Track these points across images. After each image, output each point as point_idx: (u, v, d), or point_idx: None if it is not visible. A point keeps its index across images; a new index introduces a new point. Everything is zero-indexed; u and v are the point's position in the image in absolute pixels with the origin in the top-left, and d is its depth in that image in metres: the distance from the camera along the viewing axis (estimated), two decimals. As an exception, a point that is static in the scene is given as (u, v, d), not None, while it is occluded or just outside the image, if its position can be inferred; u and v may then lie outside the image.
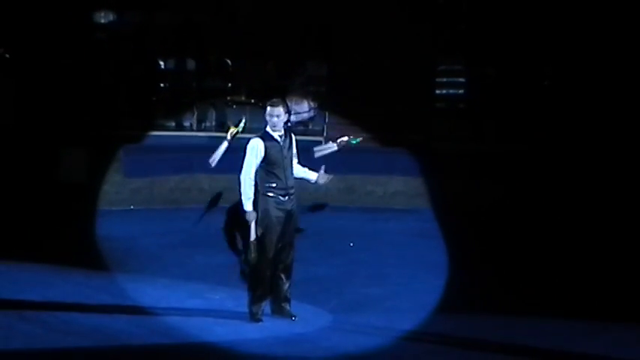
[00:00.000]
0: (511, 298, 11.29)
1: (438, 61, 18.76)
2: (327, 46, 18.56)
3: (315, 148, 10.45)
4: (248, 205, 9.87)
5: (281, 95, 17.46)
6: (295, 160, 10.15)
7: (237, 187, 9.94)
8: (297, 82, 18.32)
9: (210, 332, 9.71)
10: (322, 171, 10.20)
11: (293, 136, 10.16)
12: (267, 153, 9.88)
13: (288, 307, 10.17)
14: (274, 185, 9.92)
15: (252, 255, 9.87)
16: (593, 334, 10.16)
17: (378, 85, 17.85)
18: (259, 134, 10.01)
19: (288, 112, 10.22)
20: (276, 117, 9.91)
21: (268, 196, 9.91)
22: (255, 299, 10.02)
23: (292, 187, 10.03)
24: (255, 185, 9.91)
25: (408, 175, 16.53)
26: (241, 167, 9.93)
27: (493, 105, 18.11)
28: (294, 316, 10.17)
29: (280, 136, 9.96)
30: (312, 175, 10.21)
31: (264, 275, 9.97)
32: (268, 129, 9.99)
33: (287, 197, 9.96)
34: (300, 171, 10.18)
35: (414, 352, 9.63)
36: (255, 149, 9.88)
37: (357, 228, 14.65)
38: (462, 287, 11.57)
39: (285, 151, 9.98)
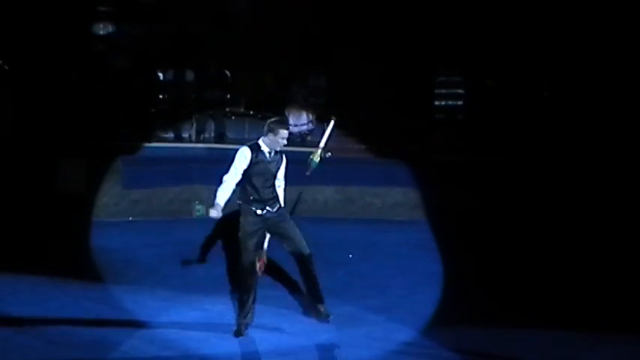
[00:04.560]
0: (510, 310, 11.27)
1: (437, 73, 18.77)
2: (326, 58, 18.56)
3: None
4: (219, 198, 9.85)
5: (281, 108, 17.59)
6: (282, 181, 10.28)
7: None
8: (299, 95, 18.31)
9: (210, 344, 9.69)
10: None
11: (284, 158, 10.28)
12: (252, 162, 9.99)
13: (322, 307, 10.37)
14: (252, 198, 10.03)
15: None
16: (593, 346, 10.15)
17: (377, 97, 17.85)
18: (250, 144, 10.15)
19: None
20: (285, 140, 10.13)
21: (246, 206, 10.05)
22: (241, 310, 10.06)
23: (270, 199, 10.16)
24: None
25: (408, 186, 16.50)
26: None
27: (492, 116, 18.11)
28: (330, 315, 10.37)
29: (269, 153, 10.07)
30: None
31: (248, 285, 10.01)
32: (261, 143, 10.08)
33: (265, 210, 10.03)
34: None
35: (413, 365, 9.62)
36: (242, 156, 10.00)
37: (356, 239, 14.62)
38: (461, 299, 11.54)
39: (269, 166, 10.08)
